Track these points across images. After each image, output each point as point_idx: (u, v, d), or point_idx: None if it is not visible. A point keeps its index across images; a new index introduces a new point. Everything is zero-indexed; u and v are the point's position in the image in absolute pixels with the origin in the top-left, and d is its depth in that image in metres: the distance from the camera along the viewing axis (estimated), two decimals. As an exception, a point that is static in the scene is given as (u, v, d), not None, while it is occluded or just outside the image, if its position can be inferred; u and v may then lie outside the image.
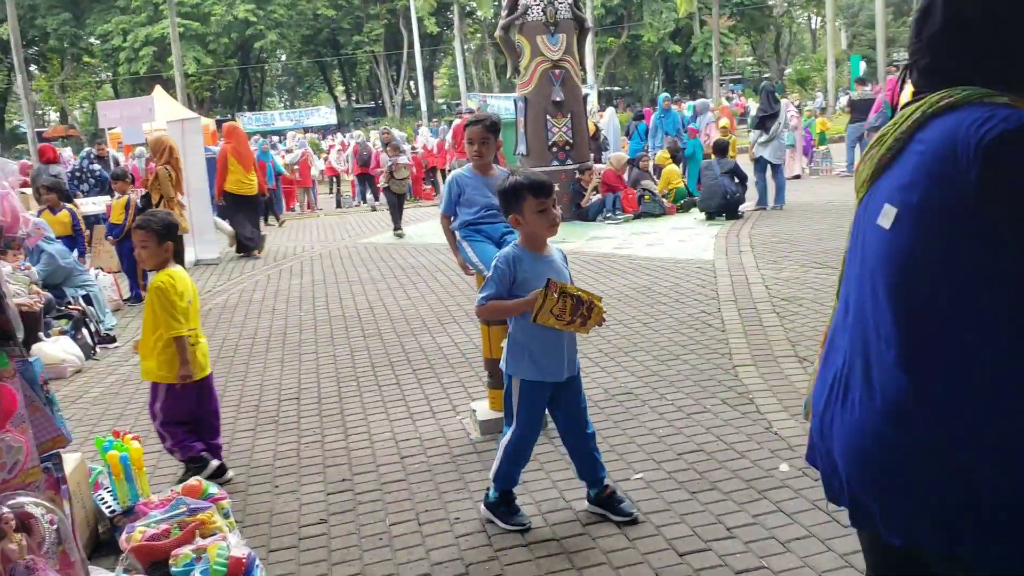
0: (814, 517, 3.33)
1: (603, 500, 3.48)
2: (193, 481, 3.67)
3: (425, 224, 14.08)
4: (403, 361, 6.12)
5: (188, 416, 4.20)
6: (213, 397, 4.37)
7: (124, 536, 3.29)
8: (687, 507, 3.52)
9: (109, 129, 15.59)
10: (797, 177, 16.18)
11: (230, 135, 12.45)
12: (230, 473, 4.29)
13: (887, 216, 1.54)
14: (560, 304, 3.13)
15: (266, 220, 17.08)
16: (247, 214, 12.58)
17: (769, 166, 12.51)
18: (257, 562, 3.16)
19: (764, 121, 12.46)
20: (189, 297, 4.15)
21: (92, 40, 47.20)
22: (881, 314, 1.55)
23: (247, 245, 12.44)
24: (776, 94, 13.52)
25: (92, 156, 14.79)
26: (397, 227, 13.32)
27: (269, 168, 17.29)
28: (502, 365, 3.43)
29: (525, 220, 3.30)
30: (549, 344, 3.28)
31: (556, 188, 3.54)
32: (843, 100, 30.26)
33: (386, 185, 13.70)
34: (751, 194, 12.40)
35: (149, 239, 4.11)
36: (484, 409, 4.66)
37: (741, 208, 11.83)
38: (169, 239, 4.15)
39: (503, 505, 3.47)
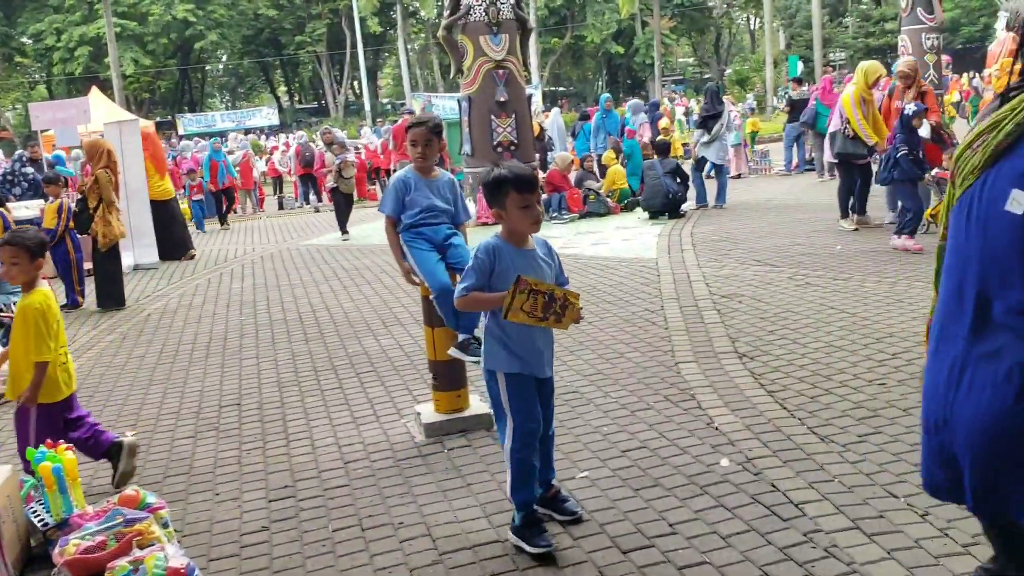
0: (754, 511, 3.38)
1: (547, 500, 3.48)
2: (130, 491, 3.60)
3: (369, 225, 13.94)
4: (346, 365, 6.06)
5: (59, 433, 4.14)
6: (77, 407, 4.30)
7: (58, 550, 3.20)
8: (630, 504, 3.55)
9: (43, 131, 15.17)
10: (739, 176, 16.44)
11: (144, 140, 12.14)
12: (129, 434, 4.34)
13: (1017, 201, 1.51)
14: (531, 301, 3.11)
15: (222, 220, 16.83)
16: (168, 218, 12.41)
17: (712, 166, 12.68)
18: (196, 572, 3.11)
19: (706, 121, 12.62)
20: (58, 317, 4.08)
21: (24, 39, 45.97)
22: (1014, 296, 1.52)
23: (179, 247, 12.30)
24: (720, 94, 13.68)
25: (25, 159, 14.35)
26: (343, 230, 13.06)
27: (221, 167, 16.98)
28: (482, 365, 3.36)
29: (507, 215, 3.22)
30: (523, 338, 3.24)
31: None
32: (776, 101, 30.81)
33: (334, 185, 13.18)
34: (693, 193, 12.57)
35: (20, 255, 4.02)
36: (429, 412, 4.64)
37: (683, 207, 11.97)
38: (40, 256, 4.07)
39: (526, 528, 3.28)
